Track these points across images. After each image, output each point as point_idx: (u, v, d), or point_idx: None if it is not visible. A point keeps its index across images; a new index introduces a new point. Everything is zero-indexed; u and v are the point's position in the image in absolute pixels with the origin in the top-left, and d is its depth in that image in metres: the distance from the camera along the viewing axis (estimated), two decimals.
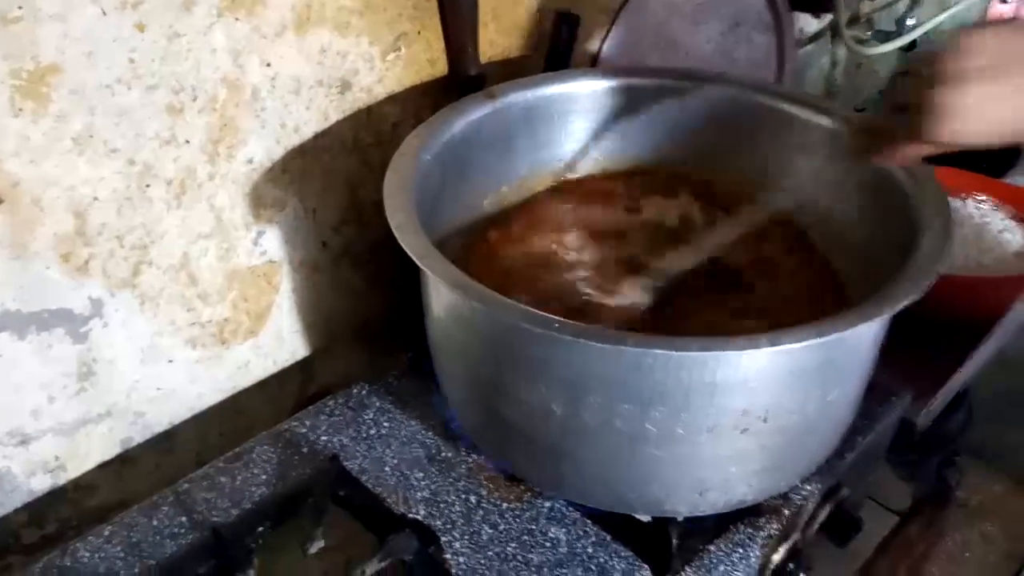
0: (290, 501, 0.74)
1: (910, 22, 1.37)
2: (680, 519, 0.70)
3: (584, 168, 0.93)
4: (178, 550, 0.71)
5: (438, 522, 0.73)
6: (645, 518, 0.72)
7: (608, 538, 0.73)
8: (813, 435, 0.69)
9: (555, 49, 0.96)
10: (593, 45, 1.02)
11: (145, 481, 0.82)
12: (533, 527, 0.73)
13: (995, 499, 0.97)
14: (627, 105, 0.91)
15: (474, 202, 0.87)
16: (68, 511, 0.79)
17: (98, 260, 0.72)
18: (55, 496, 0.78)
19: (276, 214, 0.83)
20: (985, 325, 0.99)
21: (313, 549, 0.70)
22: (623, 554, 0.72)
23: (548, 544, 0.72)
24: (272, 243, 0.84)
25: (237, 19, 0.72)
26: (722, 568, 0.70)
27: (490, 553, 0.71)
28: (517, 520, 0.74)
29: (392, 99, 0.88)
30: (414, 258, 0.63)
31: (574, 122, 0.91)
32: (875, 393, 0.81)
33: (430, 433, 0.81)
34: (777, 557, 0.74)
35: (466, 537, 0.72)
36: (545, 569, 0.70)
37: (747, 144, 0.89)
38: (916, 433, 0.90)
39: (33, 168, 0.65)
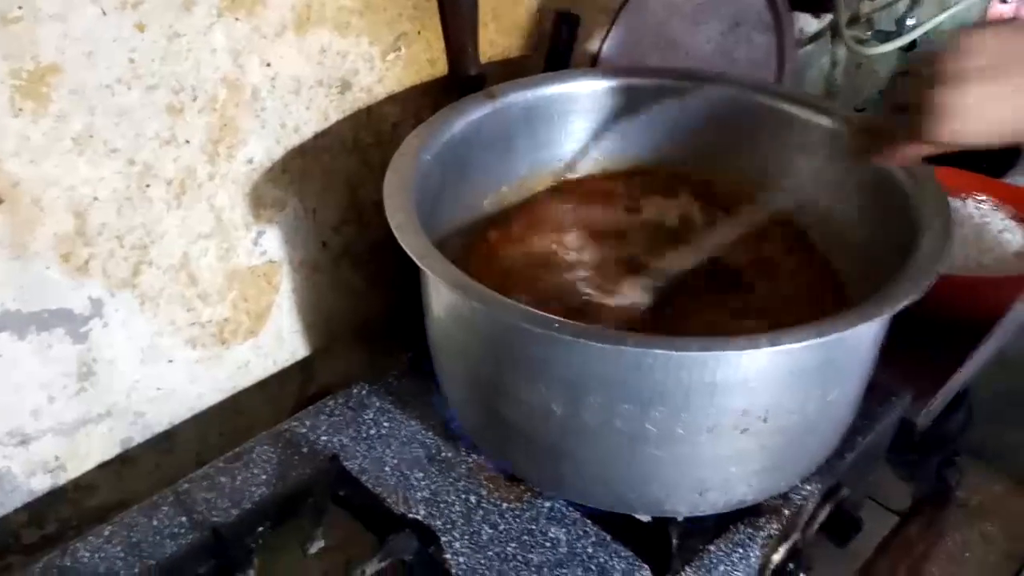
0: (290, 501, 0.74)
1: (910, 22, 1.37)
2: (680, 519, 0.70)
3: (584, 168, 0.94)
4: (178, 550, 0.71)
5: (438, 522, 0.73)
6: (645, 518, 0.72)
7: (608, 538, 0.73)
8: (813, 435, 0.69)
9: (555, 49, 0.96)
10: (593, 45, 1.02)
11: (145, 481, 0.82)
12: (533, 527, 0.73)
13: (995, 499, 0.97)
14: (627, 105, 0.91)
15: (474, 202, 0.87)
16: (68, 511, 0.79)
17: (98, 260, 0.72)
18: (55, 496, 0.78)
19: (276, 214, 0.83)
20: (985, 325, 0.99)
21: (313, 549, 0.70)
22: (623, 554, 0.72)
23: (548, 544, 0.72)
24: (272, 243, 0.84)
25: (237, 19, 0.72)
26: (722, 568, 0.70)
27: (490, 553, 0.71)
28: (517, 520, 0.74)
29: (392, 99, 0.88)
30: (414, 258, 0.63)
31: (574, 122, 0.91)
32: (875, 393, 0.81)
33: (430, 433, 0.81)
34: (777, 557, 0.74)
35: (466, 537, 0.72)
36: (545, 569, 0.70)
37: (747, 144, 0.89)
38: (916, 433, 0.90)
39: (33, 168, 0.65)
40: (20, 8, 0.60)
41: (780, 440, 0.65)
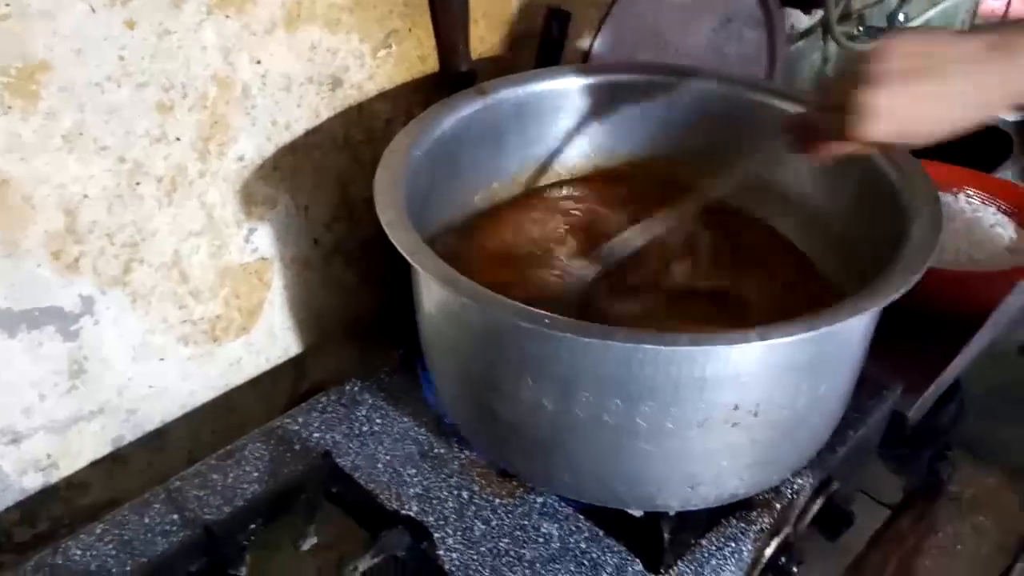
0: (283, 498, 0.74)
1: (900, 18, 1.37)
2: (672, 513, 0.70)
3: (576, 165, 0.94)
4: (170, 548, 0.71)
5: (431, 518, 0.73)
6: (637, 513, 0.72)
7: (600, 533, 0.73)
8: (804, 429, 0.69)
9: (546, 45, 0.96)
10: (584, 42, 1.02)
11: (137, 479, 0.82)
12: (526, 522, 0.74)
13: (987, 492, 0.97)
14: (619, 101, 0.91)
15: (465, 199, 0.87)
16: (60, 509, 0.79)
17: (89, 258, 0.72)
18: (47, 494, 0.78)
19: (267, 211, 0.83)
20: (976, 319, 0.99)
21: (306, 546, 0.70)
22: (615, 549, 0.72)
23: (541, 539, 0.72)
24: (263, 240, 0.84)
25: (227, 16, 0.72)
26: (714, 562, 0.71)
27: (483, 549, 0.71)
28: (510, 516, 0.74)
29: (383, 96, 0.88)
30: (405, 254, 0.63)
31: (565, 118, 0.91)
32: (866, 387, 0.82)
33: (422, 429, 0.81)
34: (769, 551, 0.74)
35: (459, 533, 0.73)
36: (538, 564, 0.70)
37: (738, 140, 0.89)
38: (908, 426, 0.90)
39: (23, 166, 0.65)
40: (8, 5, 0.60)
41: (771, 434, 0.66)
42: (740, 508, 0.74)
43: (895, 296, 0.60)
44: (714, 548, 0.72)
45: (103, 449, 0.80)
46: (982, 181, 1.11)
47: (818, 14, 1.33)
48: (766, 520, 0.73)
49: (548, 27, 0.95)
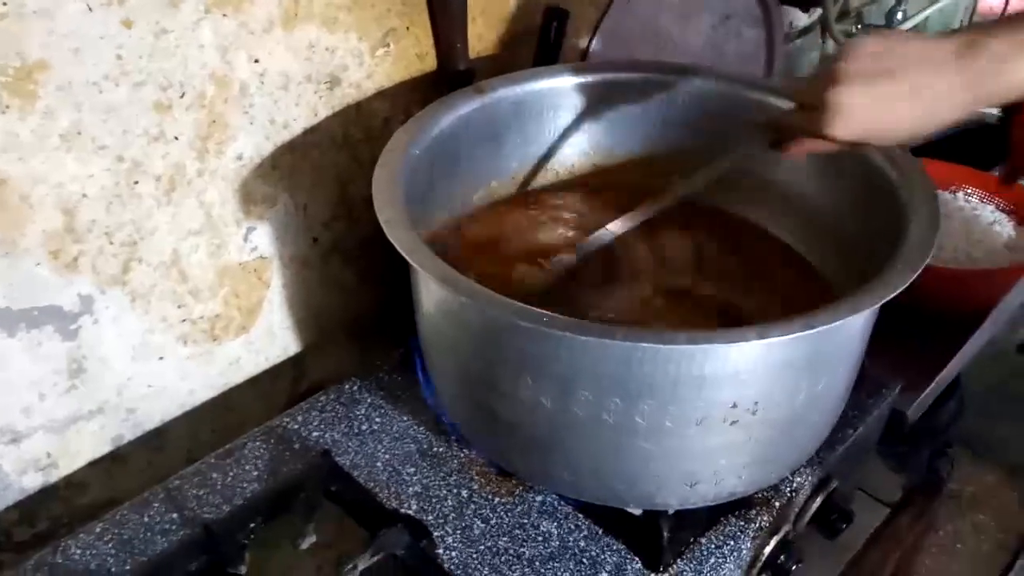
0: (282, 497, 0.74)
1: (899, 16, 1.37)
2: (671, 512, 0.70)
3: (574, 163, 0.94)
4: (169, 547, 0.71)
5: (430, 517, 0.73)
6: (636, 511, 0.72)
7: (599, 531, 0.73)
8: (803, 427, 0.69)
9: (544, 44, 0.96)
10: (583, 40, 1.02)
11: (136, 479, 0.82)
12: (525, 521, 0.74)
13: (987, 490, 0.97)
14: (617, 100, 0.91)
15: (464, 197, 0.87)
16: (59, 509, 0.79)
17: (87, 257, 0.72)
18: (46, 494, 0.78)
19: (266, 210, 0.83)
20: (976, 317, 0.99)
21: (305, 544, 0.70)
22: (614, 547, 0.72)
23: (540, 538, 0.72)
24: (262, 239, 0.84)
25: (224, 15, 0.72)
26: (713, 560, 0.71)
27: (482, 547, 0.71)
28: (509, 514, 0.74)
29: (381, 95, 0.88)
30: (403, 253, 0.63)
31: (564, 117, 0.91)
32: (865, 385, 0.82)
33: (422, 428, 0.82)
34: (768, 549, 0.74)
35: (458, 531, 0.73)
36: (537, 563, 0.70)
37: (737, 138, 0.89)
38: (907, 424, 0.90)
39: (21, 165, 0.65)
40: (5, 5, 0.60)
41: (770, 432, 0.66)
42: (739, 506, 0.74)
43: (892, 294, 0.60)
44: (713, 546, 0.72)
45: (102, 448, 0.80)
46: (981, 179, 1.11)
47: (816, 12, 1.33)
48: (765, 518, 0.73)
49: (547, 25, 0.95)
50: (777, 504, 0.74)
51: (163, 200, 0.75)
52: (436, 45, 0.88)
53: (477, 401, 0.71)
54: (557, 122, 0.91)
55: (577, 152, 0.93)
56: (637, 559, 0.71)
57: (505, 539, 0.72)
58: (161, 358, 0.81)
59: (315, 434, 0.81)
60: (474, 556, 0.71)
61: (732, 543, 0.72)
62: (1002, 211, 1.08)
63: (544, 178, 0.93)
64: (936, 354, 0.96)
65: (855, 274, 0.73)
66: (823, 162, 0.83)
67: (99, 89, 0.67)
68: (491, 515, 0.74)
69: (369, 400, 0.84)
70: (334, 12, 0.80)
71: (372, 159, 0.73)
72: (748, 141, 0.75)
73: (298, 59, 0.79)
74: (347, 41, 0.82)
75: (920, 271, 0.62)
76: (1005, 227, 1.05)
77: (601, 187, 0.92)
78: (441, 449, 0.80)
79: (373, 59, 0.86)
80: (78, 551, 0.70)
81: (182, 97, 0.72)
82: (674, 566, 0.70)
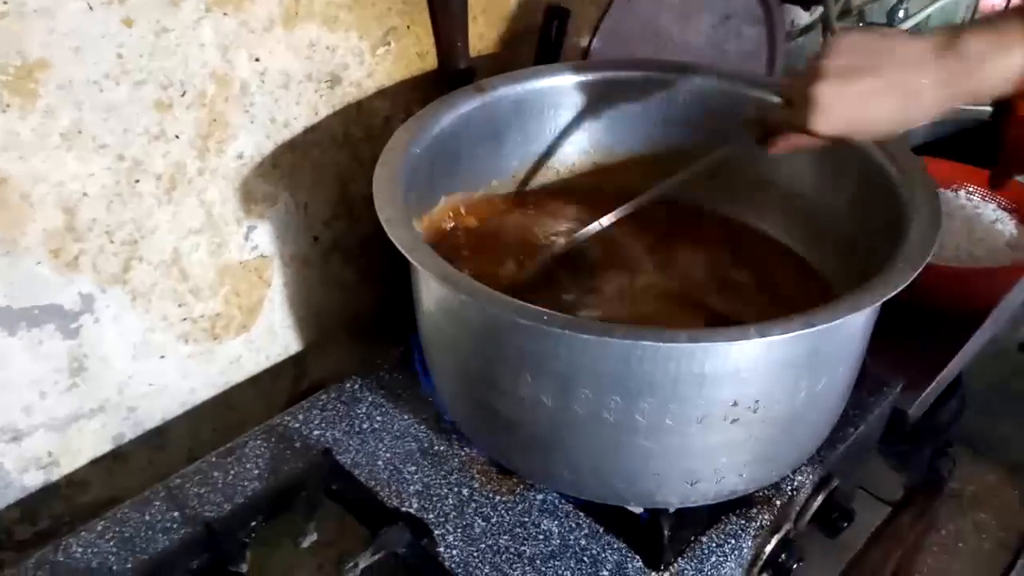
0: (283, 495, 0.74)
1: (900, 14, 1.37)
2: (672, 510, 0.70)
3: (575, 162, 0.94)
4: (171, 545, 0.71)
5: (431, 515, 0.74)
6: (637, 509, 0.73)
7: (600, 530, 0.73)
8: (804, 425, 0.69)
9: (545, 43, 0.96)
10: (583, 39, 1.02)
11: (138, 477, 0.82)
12: (526, 519, 0.74)
13: (988, 489, 0.97)
14: (618, 98, 0.91)
15: (465, 196, 0.87)
16: (61, 507, 0.79)
17: (88, 256, 0.72)
18: (48, 492, 0.78)
19: (267, 209, 0.83)
20: (977, 315, 0.99)
21: (306, 543, 0.70)
22: (615, 545, 0.72)
23: (541, 536, 0.72)
24: (263, 238, 0.84)
25: (225, 14, 0.72)
26: (714, 559, 0.71)
27: (483, 546, 0.71)
28: (510, 513, 0.74)
29: (382, 93, 0.88)
30: (404, 252, 0.63)
31: (564, 115, 0.91)
32: (867, 383, 0.82)
33: (423, 427, 0.82)
34: (769, 548, 0.74)
35: (459, 530, 0.73)
36: (538, 561, 0.70)
37: (738, 136, 0.89)
38: (908, 423, 0.90)
39: (22, 164, 0.65)
40: (5, 4, 0.60)
41: (770, 430, 0.66)
42: (740, 505, 0.74)
43: (893, 293, 0.60)
44: (714, 545, 0.72)
45: (104, 447, 0.80)
46: (982, 178, 1.10)
47: (818, 11, 1.32)
48: (766, 517, 0.73)
49: (547, 24, 0.95)
50: (778, 503, 0.74)
51: (164, 199, 0.75)
52: (437, 44, 0.88)
53: (477, 399, 0.71)
54: (558, 121, 0.91)
55: (578, 151, 0.93)
56: (638, 557, 0.71)
57: (506, 537, 0.72)
58: (162, 357, 0.81)
59: (316, 433, 0.81)
60: (475, 554, 0.71)
61: (733, 541, 0.72)
62: (1004, 209, 1.08)
63: (545, 177, 0.93)
64: (937, 353, 0.96)
65: (855, 274, 0.73)
66: (823, 161, 0.83)
67: (100, 88, 0.67)
68: (492, 513, 0.74)
69: (370, 399, 0.84)
70: (335, 11, 0.80)
71: (373, 158, 0.73)
72: (736, 137, 0.75)
73: (299, 58, 0.79)
74: (348, 40, 0.82)
75: (921, 269, 0.62)
76: (1007, 225, 1.05)
77: (599, 189, 0.92)
78: (442, 448, 0.80)
79: (374, 58, 0.86)
80: (79, 549, 0.70)
81: (183, 96, 0.72)
82: (675, 564, 0.70)
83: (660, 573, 0.70)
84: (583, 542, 0.72)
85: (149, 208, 0.74)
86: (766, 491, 0.75)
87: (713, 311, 0.80)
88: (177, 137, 0.74)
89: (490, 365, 0.67)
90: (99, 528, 0.72)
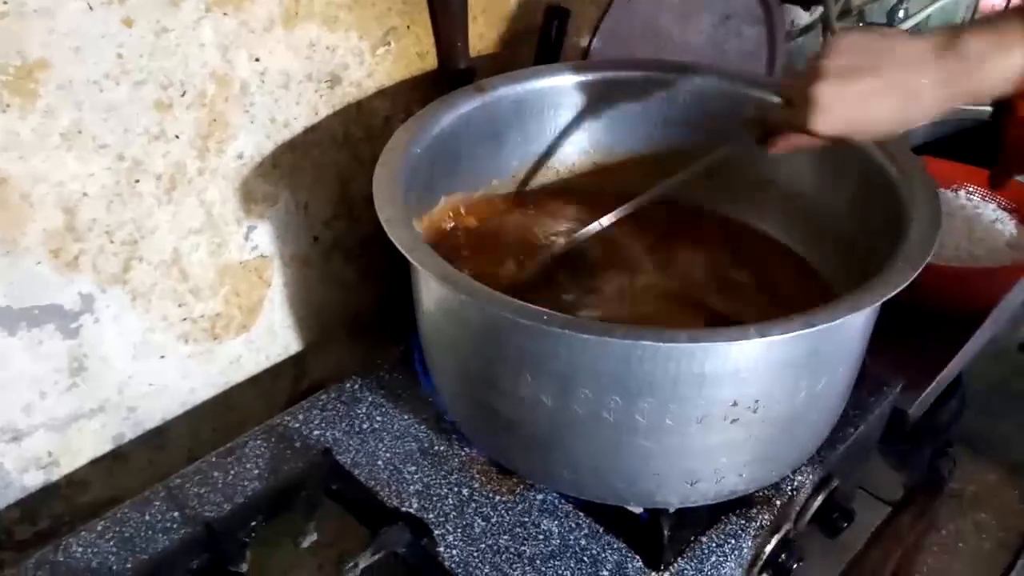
0: (283, 495, 0.74)
1: (900, 14, 1.37)
2: (672, 510, 0.70)
3: (575, 162, 0.94)
4: (171, 545, 0.71)
5: (431, 515, 0.73)
6: (637, 509, 0.73)
7: (600, 530, 0.73)
8: (804, 425, 0.69)
9: (545, 43, 0.96)
10: (583, 39, 1.02)
11: (138, 477, 0.82)
12: (526, 519, 0.74)
13: (988, 489, 0.97)
14: (618, 98, 0.91)
15: (465, 196, 0.87)
16: (61, 507, 0.79)
17: (88, 256, 0.72)
18: (48, 492, 0.78)
19: (267, 209, 0.83)
20: (977, 315, 0.99)
21: (306, 543, 0.70)
22: (615, 545, 0.72)
23: (541, 536, 0.72)
24: (263, 238, 0.84)
25: (225, 14, 0.72)
26: (714, 559, 0.71)
27: (483, 546, 0.71)
28: (510, 513, 0.74)
29: (382, 93, 0.88)
30: (404, 251, 0.63)
31: (564, 115, 0.91)
32: (867, 383, 0.82)
33: (423, 427, 0.82)
34: (769, 548, 0.74)
35: (459, 530, 0.73)
36: (538, 561, 0.70)
37: (738, 136, 0.89)
38: (908, 423, 0.90)
39: (21, 164, 0.65)
40: (5, 3, 0.60)
41: (770, 430, 0.66)
42: (740, 505, 0.74)
43: (893, 293, 0.60)
44: (714, 545, 0.72)
45: (104, 447, 0.80)
46: (983, 177, 1.10)
47: (818, 11, 1.32)
48: (766, 517, 0.73)
49: (548, 24, 0.95)
50: (778, 503, 0.74)
51: (164, 199, 0.75)
52: (437, 44, 0.88)
53: (477, 399, 0.71)
54: (558, 121, 0.91)
55: (578, 151, 0.93)
56: (638, 557, 0.71)
57: (506, 537, 0.72)
58: (162, 357, 0.81)
59: (316, 432, 0.81)
60: (475, 554, 0.71)
61: (733, 541, 0.72)
62: (1004, 209, 1.08)
63: (545, 176, 0.93)
64: (937, 353, 0.96)
65: (855, 274, 0.73)
66: (823, 161, 0.83)
67: (100, 88, 0.67)
68: (492, 513, 0.74)
69: (370, 399, 0.84)
70: (335, 11, 0.80)
71: (373, 158, 0.74)
72: (736, 137, 0.75)
73: (299, 58, 0.79)
74: (348, 40, 0.82)
75: (921, 269, 0.62)
76: (1007, 225, 1.05)
77: (600, 189, 0.92)
78: (442, 447, 0.80)
79: (374, 58, 0.86)
80: (79, 549, 0.70)
81: (183, 96, 0.72)
82: (675, 564, 0.70)
83: (660, 573, 0.70)
84: (583, 542, 0.72)
85: (149, 208, 0.74)
86: (766, 491, 0.75)
87: (713, 311, 0.80)
88: (177, 137, 0.74)
89: (490, 365, 0.67)
90: (99, 528, 0.72)
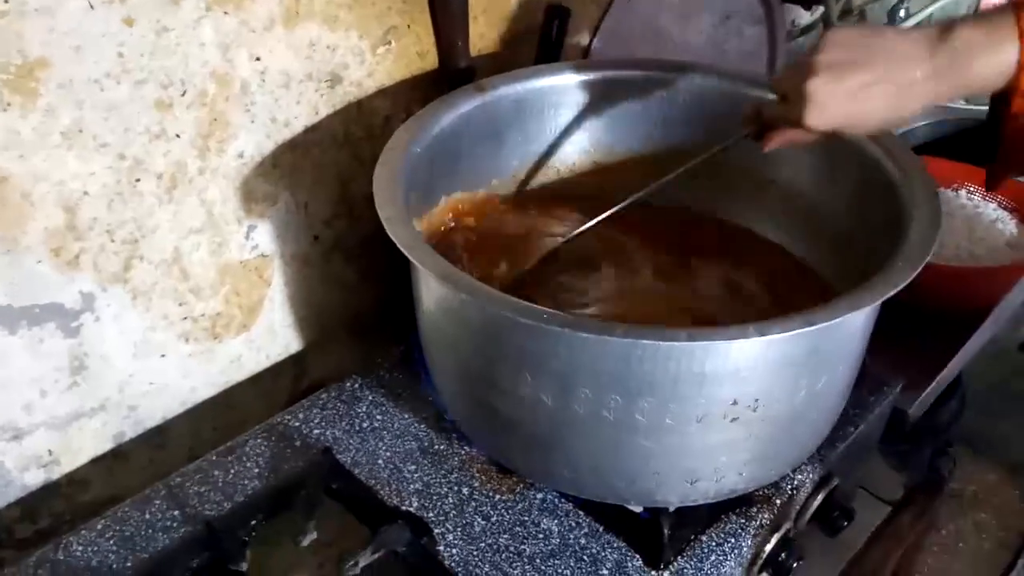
0: (283, 494, 0.74)
1: (901, 14, 1.37)
2: (671, 509, 0.70)
3: (575, 161, 0.94)
4: (171, 543, 0.71)
5: (431, 514, 0.74)
6: (637, 508, 0.73)
7: (600, 529, 0.73)
8: (804, 424, 0.69)
9: (546, 42, 0.96)
10: (584, 38, 1.02)
11: (138, 476, 0.82)
12: (525, 518, 0.74)
13: (988, 488, 0.97)
14: (618, 98, 0.91)
15: (465, 195, 0.87)
16: (61, 506, 0.79)
17: (89, 255, 0.72)
18: (48, 491, 0.78)
19: (267, 208, 0.83)
20: (978, 315, 0.99)
21: (306, 541, 0.70)
22: (615, 544, 0.72)
23: (540, 535, 0.72)
24: (264, 237, 0.84)
25: (226, 13, 0.72)
26: (714, 558, 0.71)
27: (482, 544, 0.71)
28: (509, 512, 0.74)
29: (382, 93, 0.88)
30: (403, 250, 0.63)
31: (564, 115, 0.91)
32: (867, 383, 0.82)
33: (423, 426, 0.82)
34: (769, 547, 0.74)
35: (459, 529, 0.73)
36: (537, 560, 0.70)
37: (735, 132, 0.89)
38: (908, 423, 0.90)
39: (22, 163, 0.65)
40: (6, 3, 0.60)
41: (770, 429, 0.66)
42: (740, 504, 0.74)
43: (892, 292, 0.60)
44: (714, 544, 0.72)
45: (104, 446, 0.80)
46: (983, 177, 1.10)
47: (819, 10, 1.32)
48: (766, 516, 0.73)
49: (548, 24, 0.95)
50: (778, 502, 0.74)
51: (164, 198, 0.75)
52: (437, 43, 0.88)
53: (477, 398, 0.71)
54: (558, 120, 0.91)
55: (578, 150, 0.93)
56: (638, 556, 0.71)
57: (506, 536, 0.72)
58: (162, 356, 0.81)
59: (316, 431, 0.81)
60: (475, 553, 0.71)
61: (733, 540, 0.72)
62: (1004, 209, 1.07)
63: (545, 176, 0.93)
64: (938, 352, 0.95)
65: (855, 274, 0.73)
66: (823, 161, 0.83)
67: (100, 87, 0.67)
68: (492, 512, 0.74)
69: (370, 398, 0.84)
70: (335, 10, 0.80)
71: (373, 157, 0.74)
72: (733, 134, 0.75)
73: (299, 57, 0.79)
74: (348, 39, 0.83)
75: (920, 269, 0.62)
76: (1007, 225, 1.05)
77: (600, 188, 0.92)
78: (442, 447, 0.80)
79: (374, 57, 0.86)
80: (80, 548, 0.71)
81: (183, 95, 0.73)
82: (675, 563, 0.70)
83: (660, 572, 0.70)
84: (583, 541, 0.72)
85: (150, 207, 0.74)
86: (766, 490, 0.75)
87: (712, 312, 0.80)
88: (178, 136, 0.74)
89: (490, 364, 0.67)
90: (99, 527, 0.72)
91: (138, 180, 0.73)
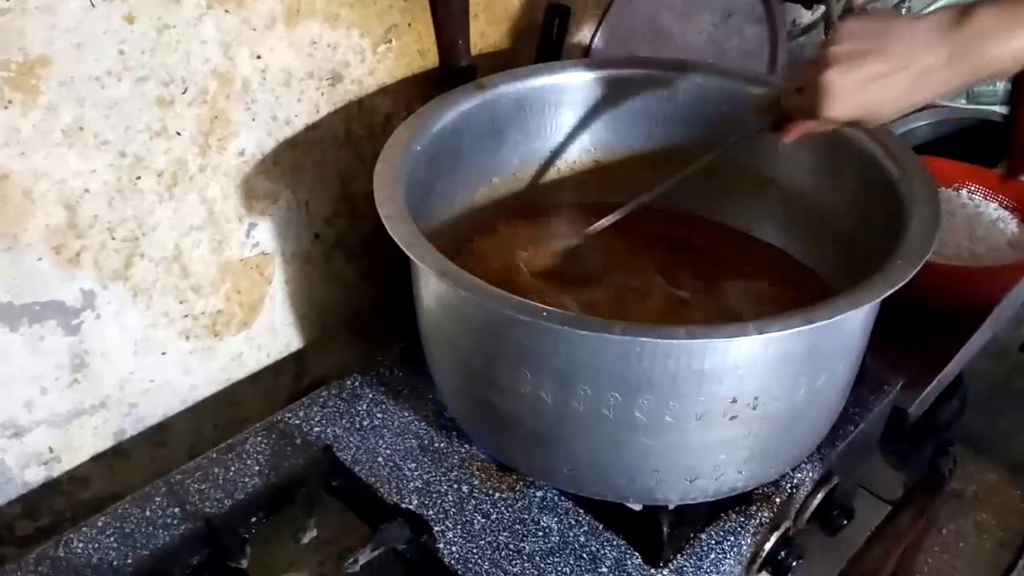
0: (283, 491, 0.75)
1: (902, 13, 1.37)
2: (671, 507, 0.70)
3: (576, 160, 0.94)
4: (171, 540, 0.71)
5: (431, 512, 0.74)
6: (636, 506, 0.73)
7: (600, 526, 0.73)
8: (803, 422, 0.69)
9: (546, 40, 0.96)
10: (584, 37, 1.02)
11: (138, 473, 0.82)
12: (525, 516, 0.74)
13: (989, 488, 0.97)
14: (618, 96, 0.91)
15: (465, 194, 0.87)
16: (62, 503, 0.79)
17: (90, 252, 0.72)
18: (49, 488, 0.78)
19: (268, 206, 0.83)
20: (978, 314, 0.99)
21: (306, 539, 0.70)
22: (615, 542, 0.72)
23: (540, 533, 0.72)
24: (264, 235, 0.84)
25: (227, 11, 0.73)
26: (713, 556, 0.71)
27: (482, 542, 0.71)
28: (509, 509, 0.74)
29: (383, 91, 0.88)
30: (403, 247, 0.63)
31: (565, 113, 0.91)
32: (867, 381, 0.82)
33: (423, 424, 0.82)
34: (768, 545, 0.74)
35: (458, 526, 0.73)
36: (537, 558, 0.70)
37: (746, 126, 0.89)
38: (908, 422, 0.90)
39: (23, 160, 0.65)
40: (7, 0, 0.60)
41: (770, 427, 0.66)
42: (739, 502, 0.74)
43: (891, 290, 0.60)
44: (713, 542, 0.72)
45: (105, 443, 0.81)
46: (984, 176, 1.10)
47: (820, 9, 1.32)
48: (765, 514, 0.73)
49: (549, 22, 0.95)
50: (778, 500, 0.74)
51: (165, 196, 0.75)
52: (438, 41, 0.88)
53: (477, 396, 0.71)
54: (559, 118, 0.91)
55: (578, 148, 0.93)
56: (637, 554, 0.71)
57: (505, 534, 0.72)
58: (163, 353, 0.81)
59: (316, 429, 0.81)
60: (474, 551, 0.71)
61: (732, 539, 0.72)
62: (1005, 208, 1.07)
63: (545, 175, 0.93)
64: (938, 351, 0.95)
65: (855, 273, 0.73)
66: (823, 160, 0.83)
67: (101, 84, 0.67)
68: (491, 510, 0.74)
69: (370, 396, 0.85)
70: (336, 8, 0.80)
71: (374, 155, 0.74)
72: (741, 129, 0.75)
73: (300, 55, 0.79)
74: (349, 37, 0.83)
75: (920, 267, 0.62)
76: (1008, 224, 1.05)
77: (601, 187, 0.93)
78: (442, 444, 0.80)
79: (375, 55, 0.86)
80: (80, 545, 0.71)
81: (184, 93, 0.73)
82: (674, 561, 0.70)
83: (659, 570, 0.70)
84: (582, 539, 0.72)
85: (150, 205, 0.74)
86: (766, 488, 0.75)
87: (712, 310, 0.80)
88: (179, 134, 0.74)
89: (490, 362, 0.67)
90: (100, 524, 0.72)
91: (139, 178, 0.73)
